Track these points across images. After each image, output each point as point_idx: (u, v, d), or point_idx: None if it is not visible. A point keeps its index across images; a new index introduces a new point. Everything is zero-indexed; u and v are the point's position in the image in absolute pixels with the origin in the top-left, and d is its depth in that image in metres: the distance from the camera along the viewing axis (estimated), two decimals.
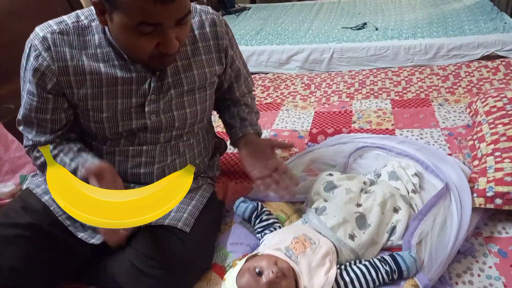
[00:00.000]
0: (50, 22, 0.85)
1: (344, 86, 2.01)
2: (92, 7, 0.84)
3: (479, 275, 0.91)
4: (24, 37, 0.86)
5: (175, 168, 1.03)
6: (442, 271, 0.89)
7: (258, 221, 1.03)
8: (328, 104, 1.80)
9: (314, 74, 2.25)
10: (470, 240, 1.00)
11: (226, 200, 1.21)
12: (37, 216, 0.89)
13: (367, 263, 0.87)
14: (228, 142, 1.24)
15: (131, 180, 1.01)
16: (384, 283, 0.85)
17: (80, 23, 0.86)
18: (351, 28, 2.72)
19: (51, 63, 0.84)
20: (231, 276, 0.83)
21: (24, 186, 1.03)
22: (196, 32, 0.94)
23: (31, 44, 0.84)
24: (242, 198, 1.09)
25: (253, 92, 1.22)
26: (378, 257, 0.89)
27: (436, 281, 0.87)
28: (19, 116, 0.94)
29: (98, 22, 0.85)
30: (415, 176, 1.11)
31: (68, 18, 0.86)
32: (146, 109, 0.92)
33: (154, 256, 0.85)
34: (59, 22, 0.85)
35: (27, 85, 0.87)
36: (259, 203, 1.07)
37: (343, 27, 2.77)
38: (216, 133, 1.42)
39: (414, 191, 1.07)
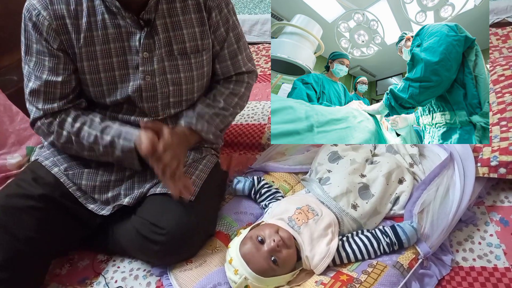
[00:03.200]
0: None
1: None
2: None
3: (479, 243, 0.93)
4: (18, 9, 0.84)
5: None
6: (443, 239, 0.91)
7: (258, 196, 1.04)
8: None
9: None
10: (472, 209, 1.01)
11: (230, 171, 1.22)
12: (48, 187, 0.91)
13: (369, 234, 0.88)
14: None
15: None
16: (385, 253, 0.87)
17: None
18: None
19: (51, 21, 0.84)
20: (234, 244, 0.85)
21: (33, 158, 1.04)
22: None
23: (29, 4, 0.84)
24: (236, 180, 1.08)
25: (250, 75, 1.09)
26: (380, 227, 0.90)
27: (436, 248, 0.89)
28: (27, 89, 0.90)
29: None
30: (414, 146, 1.10)
31: None
32: (141, 69, 0.90)
33: (158, 223, 0.87)
34: None
35: (32, 46, 0.86)
36: (255, 178, 1.07)
37: None
38: None
39: (411, 165, 1.06)
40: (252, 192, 1.05)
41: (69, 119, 0.90)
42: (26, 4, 0.85)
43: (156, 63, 0.91)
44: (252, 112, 1.51)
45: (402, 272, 0.82)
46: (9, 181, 1.15)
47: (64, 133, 0.90)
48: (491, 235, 0.94)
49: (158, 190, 0.93)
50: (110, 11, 0.86)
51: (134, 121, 0.96)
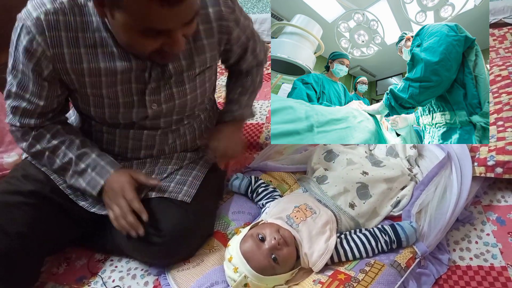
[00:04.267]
0: (44, 0, 0.76)
1: None
2: None
3: (476, 242, 0.93)
4: (19, 4, 0.81)
5: (175, 149, 1.01)
6: (441, 239, 0.91)
7: (255, 195, 1.04)
8: None
9: None
10: (469, 209, 1.01)
11: (228, 170, 1.22)
12: (39, 184, 0.90)
13: (367, 232, 0.88)
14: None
15: (130, 157, 0.99)
16: (383, 251, 0.87)
17: (76, 1, 0.77)
18: None
19: (46, 48, 0.77)
20: (234, 242, 0.85)
21: (23, 156, 1.03)
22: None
23: (23, 24, 0.76)
24: (235, 176, 1.08)
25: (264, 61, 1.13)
26: (379, 226, 0.91)
27: (434, 248, 0.89)
28: (7, 91, 0.86)
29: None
30: (413, 148, 1.10)
31: None
32: (147, 98, 0.88)
33: (156, 225, 0.87)
34: (53, 0, 0.76)
35: (19, 65, 0.80)
36: (253, 177, 1.07)
37: None
38: (219, 105, 1.41)
39: (410, 169, 1.06)
40: (249, 191, 1.05)
41: (48, 135, 0.88)
42: (20, 17, 0.77)
43: (163, 91, 0.88)
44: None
45: (400, 271, 0.82)
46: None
47: (38, 146, 0.88)
48: (487, 234, 0.95)
49: (153, 194, 0.92)
50: (119, 45, 0.80)
51: (132, 134, 0.95)
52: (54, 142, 0.88)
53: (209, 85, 0.98)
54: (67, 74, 0.82)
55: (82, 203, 0.93)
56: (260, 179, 1.08)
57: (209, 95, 1.02)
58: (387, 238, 0.86)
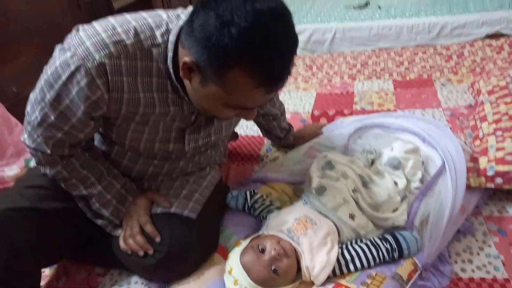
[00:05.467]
0: (106, 39, 0.70)
1: (346, 67, 1.99)
2: (154, 20, 0.75)
3: (478, 254, 0.93)
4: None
5: (186, 170, 1.01)
6: (440, 248, 0.90)
7: (252, 210, 1.04)
8: (330, 86, 1.79)
9: (315, 55, 2.23)
10: (470, 220, 1.01)
11: (228, 182, 1.22)
12: (50, 201, 0.89)
13: (368, 241, 0.88)
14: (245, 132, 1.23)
15: (145, 180, 1.00)
16: (384, 261, 0.86)
17: (140, 45, 0.73)
18: (353, 7, 2.67)
19: (105, 91, 0.73)
20: (234, 254, 0.85)
21: (32, 164, 1.01)
22: None
23: (81, 64, 0.70)
24: (230, 195, 1.07)
25: None
26: (380, 236, 0.90)
27: (434, 258, 0.89)
28: (39, 119, 0.79)
29: (160, 50, 0.74)
30: (422, 164, 1.07)
31: (126, 37, 0.72)
32: (187, 137, 0.89)
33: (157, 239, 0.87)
34: (116, 42, 0.71)
35: (65, 101, 0.75)
36: (248, 193, 1.06)
37: (345, 6, 2.72)
38: None
39: (421, 181, 1.03)
40: (246, 208, 1.05)
41: (77, 164, 0.88)
42: (79, 56, 0.70)
43: (203, 131, 0.90)
44: (251, 123, 1.52)
45: (401, 283, 0.82)
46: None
47: (66, 174, 0.87)
48: (489, 245, 0.94)
49: (159, 210, 0.93)
50: (177, 91, 0.79)
51: (155, 164, 0.96)
52: (84, 172, 0.90)
53: (235, 121, 1.02)
54: (116, 112, 0.78)
55: (99, 222, 0.94)
56: (257, 193, 1.07)
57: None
58: (388, 246, 0.85)
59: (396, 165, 1.04)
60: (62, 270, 1.02)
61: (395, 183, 1.01)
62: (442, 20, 2.30)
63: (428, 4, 2.56)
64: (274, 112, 1.21)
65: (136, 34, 0.73)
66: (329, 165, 1.07)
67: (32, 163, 1.00)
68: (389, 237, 0.87)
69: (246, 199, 1.05)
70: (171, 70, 0.75)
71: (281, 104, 1.25)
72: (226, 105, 0.71)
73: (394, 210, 0.97)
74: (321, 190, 1.00)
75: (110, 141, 0.93)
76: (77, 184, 0.90)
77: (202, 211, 0.95)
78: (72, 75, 0.71)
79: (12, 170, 1.20)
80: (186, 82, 0.73)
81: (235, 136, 1.31)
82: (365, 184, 1.03)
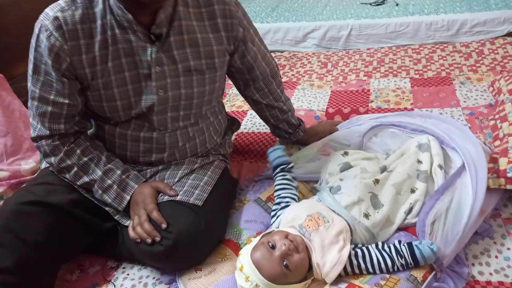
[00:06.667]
0: (60, 2, 0.84)
1: (362, 64, 1.96)
2: None
3: (496, 257, 0.90)
4: (36, 15, 0.85)
5: (185, 153, 1.04)
6: (457, 251, 0.88)
7: (281, 176, 1.03)
8: (345, 83, 1.77)
9: (331, 52, 2.20)
10: (488, 222, 0.98)
11: (240, 179, 1.22)
12: (58, 194, 0.92)
13: (383, 252, 0.85)
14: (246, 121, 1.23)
15: (142, 163, 1.03)
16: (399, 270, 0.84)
17: None
18: (370, 3, 2.63)
19: (63, 42, 0.83)
20: (245, 251, 0.85)
21: (43, 166, 1.05)
22: (203, 9, 0.92)
23: (41, 24, 0.83)
24: (282, 147, 1.08)
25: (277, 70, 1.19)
26: (396, 244, 0.87)
27: (451, 261, 0.87)
28: (33, 106, 0.90)
29: None
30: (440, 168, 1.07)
31: None
32: (154, 84, 0.91)
33: (166, 228, 0.87)
34: (68, 0, 0.84)
35: (41, 66, 0.85)
36: (292, 164, 1.07)
37: (362, 3, 2.68)
38: (230, 113, 1.42)
39: (440, 166, 1.04)
40: (281, 167, 1.05)
41: (78, 151, 0.94)
42: (38, 21, 0.84)
43: (170, 78, 0.92)
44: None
45: (416, 285, 0.80)
46: (22, 186, 1.17)
47: (69, 162, 0.93)
48: (508, 248, 0.92)
49: (166, 198, 0.94)
50: (121, 26, 0.85)
51: (143, 137, 0.98)
52: (84, 159, 0.94)
53: (218, 86, 1.01)
54: (81, 68, 0.86)
55: (107, 208, 0.97)
56: (292, 171, 1.06)
57: (217, 96, 1.05)
58: (403, 262, 0.83)
59: (425, 148, 1.07)
60: (75, 263, 1.03)
61: (419, 162, 1.04)
62: (462, 17, 2.25)
63: (447, 1, 2.50)
64: (280, 105, 1.19)
65: None
66: (348, 165, 1.06)
67: (44, 164, 1.03)
68: (405, 250, 0.84)
69: (288, 163, 1.05)
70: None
71: (287, 99, 1.23)
72: None
73: (413, 191, 0.97)
74: (336, 189, 0.99)
75: (100, 122, 0.99)
76: (79, 173, 0.94)
77: (208, 199, 0.95)
78: (37, 38, 0.84)
79: (28, 164, 1.23)
80: None
81: (237, 125, 1.29)
82: (384, 169, 1.04)
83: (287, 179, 1.03)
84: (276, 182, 1.04)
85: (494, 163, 1.04)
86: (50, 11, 0.83)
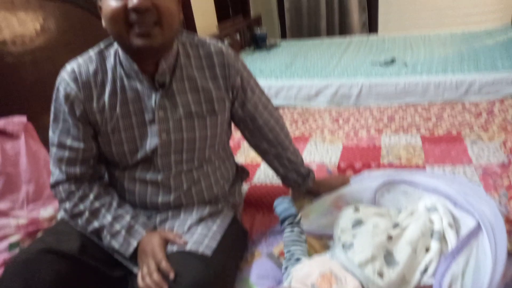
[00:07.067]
0: (78, 57, 0.97)
1: (372, 120, 2.01)
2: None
3: None
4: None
5: (191, 197, 1.06)
6: None
7: (289, 229, 1.02)
8: (357, 139, 1.81)
9: (342, 108, 2.27)
10: (509, 286, 0.95)
11: (252, 232, 1.22)
12: (69, 242, 0.94)
13: None
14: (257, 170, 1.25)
15: (150, 207, 1.06)
16: None
17: (100, 49, 0.97)
18: (380, 64, 2.74)
19: (78, 91, 0.93)
20: None
21: (59, 216, 1.09)
22: (204, 60, 1.00)
23: (60, 77, 0.95)
24: (289, 198, 1.09)
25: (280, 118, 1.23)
26: None
27: None
28: (52, 153, 0.99)
29: (114, 48, 0.96)
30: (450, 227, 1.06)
31: (92, 50, 0.97)
32: (157, 127, 0.97)
33: (175, 278, 0.86)
34: (84, 56, 0.96)
35: (59, 114, 0.96)
36: (300, 216, 1.06)
37: (372, 63, 2.79)
38: (244, 164, 1.45)
39: (450, 225, 1.03)
40: (289, 221, 1.04)
41: (91, 196, 0.99)
42: (59, 75, 0.96)
43: (172, 121, 0.98)
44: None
45: None
46: (38, 233, 1.18)
47: (81, 207, 0.98)
48: None
49: (175, 248, 0.95)
50: (129, 76, 0.95)
51: (149, 179, 1.02)
52: (96, 204, 0.99)
53: (220, 131, 1.06)
54: (93, 114, 0.95)
55: (116, 256, 0.98)
56: (301, 224, 1.05)
57: (220, 141, 1.09)
58: None
59: (433, 209, 1.06)
60: None
61: (431, 221, 1.02)
62: (470, 77, 2.32)
63: (454, 61, 2.59)
64: (288, 155, 1.23)
65: (99, 44, 0.98)
66: (359, 220, 1.06)
67: (60, 215, 1.07)
68: None
69: (295, 215, 1.04)
70: (118, 52, 0.95)
71: (296, 149, 1.27)
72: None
73: (428, 250, 0.96)
74: (348, 245, 0.98)
75: (110, 167, 1.05)
76: (90, 219, 0.97)
77: (218, 249, 0.95)
78: (57, 89, 0.95)
79: (47, 212, 1.25)
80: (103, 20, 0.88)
81: (246, 173, 1.31)
82: (397, 226, 1.03)
83: (296, 233, 1.03)
84: (285, 236, 1.03)
85: (511, 224, 1.03)
86: (69, 66, 0.95)
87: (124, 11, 0.82)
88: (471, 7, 3.71)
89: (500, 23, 3.42)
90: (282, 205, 1.07)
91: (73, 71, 0.94)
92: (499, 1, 3.61)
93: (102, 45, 0.98)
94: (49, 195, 1.28)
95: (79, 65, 0.95)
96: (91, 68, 0.94)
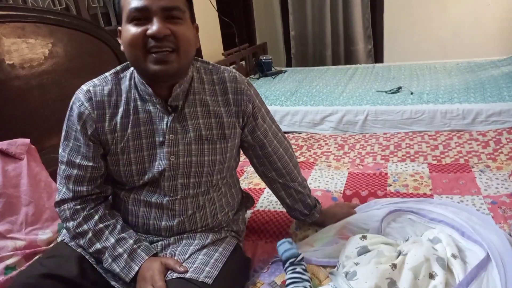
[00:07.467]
0: (94, 79, 0.98)
1: (378, 148, 1.99)
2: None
3: None
4: (73, 93, 0.96)
5: (195, 222, 1.04)
6: None
7: (291, 270, 0.99)
8: (362, 166, 1.78)
9: (347, 135, 2.26)
10: None
11: (255, 259, 1.18)
12: (68, 266, 0.93)
13: None
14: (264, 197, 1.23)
15: (153, 232, 1.04)
16: None
17: (116, 71, 0.99)
18: (385, 91, 2.75)
19: (91, 111, 0.94)
20: None
21: (59, 238, 1.07)
22: (217, 87, 1.01)
23: (75, 97, 0.96)
24: (290, 239, 1.06)
25: (290, 146, 1.22)
26: None
27: None
28: (60, 170, 0.99)
29: (130, 71, 0.98)
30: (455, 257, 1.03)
31: (108, 73, 0.99)
32: (166, 150, 0.97)
33: None
34: (100, 78, 0.98)
35: (71, 133, 0.96)
36: (302, 255, 1.03)
37: (377, 91, 2.80)
38: (246, 190, 1.43)
39: (454, 256, 1.00)
40: (290, 261, 1.01)
41: (96, 217, 0.98)
42: (74, 95, 0.97)
43: (182, 145, 0.98)
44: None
45: None
46: (36, 257, 1.16)
47: (85, 227, 0.97)
48: None
49: (175, 275, 0.93)
50: (143, 98, 0.96)
51: (154, 203, 1.01)
52: (100, 225, 0.97)
53: (229, 156, 1.05)
54: (104, 134, 0.96)
55: (113, 283, 0.95)
56: (304, 262, 1.03)
57: (229, 167, 1.08)
58: None
59: (437, 241, 1.03)
60: None
61: (435, 249, 0.99)
62: (477, 107, 2.31)
63: (461, 91, 2.60)
64: (296, 186, 1.20)
65: (116, 68, 1.00)
66: (366, 249, 1.03)
67: (60, 237, 1.05)
68: None
69: (297, 255, 1.02)
70: (135, 75, 0.96)
71: (304, 180, 1.24)
72: (128, 21, 0.87)
73: (432, 276, 0.92)
74: (351, 274, 0.95)
75: (116, 189, 1.05)
76: (92, 239, 0.96)
77: (219, 277, 0.93)
78: (71, 108, 0.97)
79: (45, 234, 1.23)
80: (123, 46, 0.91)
81: (251, 202, 1.29)
82: (400, 254, 1.00)
83: (297, 272, 0.99)
84: (287, 277, 1.00)
85: None
86: (85, 86, 0.97)
87: (143, 37, 0.85)
88: (475, 38, 3.76)
89: (505, 54, 3.44)
90: (284, 246, 1.05)
91: (88, 91, 0.95)
92: (502, 32, 3.66)
93: (118, 67, 1.00)
94: (48, 218, 1.26)
95: (95, 85, 0.96)
96: (106, 89, 0.96)
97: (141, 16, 0.85)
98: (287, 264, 1.02)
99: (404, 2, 3.85)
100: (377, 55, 4.13)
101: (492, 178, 1.51)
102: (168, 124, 0.96)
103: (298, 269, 1.00)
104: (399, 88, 2.77)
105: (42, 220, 1.25)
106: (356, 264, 0.98)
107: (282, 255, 1.03)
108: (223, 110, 1.01)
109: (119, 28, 0.92)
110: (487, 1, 3.63)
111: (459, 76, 2.99)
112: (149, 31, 0.85)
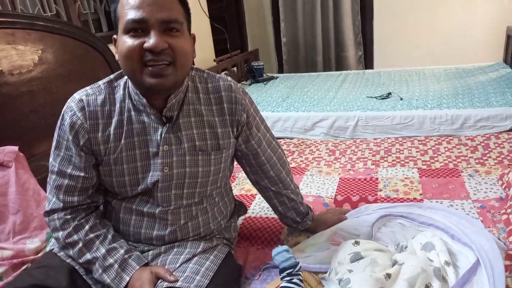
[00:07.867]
0: (87, 87, 0.96)
1: (369, 153, 2.00)
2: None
3: None
4: (68, 98, 0.95)
5: (187, 232, 1.03)
6: None
7: (287, 280, 0.98)
8: (353, 171, 1.79)
9: (338, 140, 2.27)
10: None
11: (246, 266, 1.18)
12: (57, 277, 0.91)
13: None
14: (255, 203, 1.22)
15: (144, 241, 1.03)
16: None
17: (110, 80, 0.97)
18: (375, 97, 2.78)
19: (84, 121, 0.92)
20: None
21: (48, 248, 1.05)
22: (211, 96, 1.00)
23: (67, 106, 0.94)
24: (287, 247, 1.03)
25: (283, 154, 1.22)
26: None
27: None
28: (50, 180, 0.96)
29: (124, 80, 0.96)
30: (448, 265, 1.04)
31: (102, 82, 0.97)
32: (159, 161, 0.96)
33: None
34: (93, 86, 0.96)
35: (63, 142, 0.94)
36: (300, 265, 1.01)
37: (367, 96, 2.83)
38: (238, 196, 1.42)
39: (447, 263, 1.01)
40: (288, 271, 0.98)
41: (87, 227, 0.97)
42: (66, 103, 0.95)
43: (176, 156, 0.97)
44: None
45: None
46: (23, 267, 1.14)
47: (75, 237, 0.95)
48: None
49: (165, 284, 0.91)
50: (137, 109, 0.95)
51: (146, 212, 1.00)
52: (91, 235, 0.96)
53: (223, 167, 1.04)
54: (97, 144, 0.94)
55: None
56: (301, 272, 1.00)
57: (223, 177, 1.08)
58: None
59: (430, 247, 1.02)
60: None
61: (430, 260, 0.98)
62: (465, 112, 2.34)
63: (449, 97, 2.63)
64: (288, 193, 1.20)
65: (109, 77, 0.98)
66: (358, 256, 1.03)
67: (49, 246, 1.03)
68: None
69: (295, 265, 0.98)
70: (129, 85, 0.95)
71: (297, 187, 1.24)
72: (127, 36, 0.84)
73: (427, 287, 0.92)
74: (345, 282, 0.95)
75: (108, 197, 1.04)
76: (83, 250, 0.94)
77: (209, 286, 0.92)
78: (62, 117, 0.94)
79: (34, 244, 1.21)
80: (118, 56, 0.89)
81: (244, 210, 1.29)
82: (395, 264, 0.99)
83: (293, 283, 0.98)
84: (282, 285, 0.98)
85: (511, 260, 1.00)
86: (77, 95, 0.94)
87: (140, 50, 0.84)
88: (464, 45, 3.81)
89: (492, 60, 3.50)
90: (282, 255, 1.01)
91: (81, 100, 0.93)
92: (490, 39, 3.72)
93: (112, 76, 0.98)
94: (36, 227, 1.24)
95: (88, 94, 0.94)
96: (99, 98, 0.94)
97: (138, 27, 0.83)
98: (285, 274, 1.00)
99: (393, 9, 3.90)
100: (367, 61, 4.17)
101: (481, 183, 1.53)
102: (162, 135, 0.95)
103: (295, 279, 0.98)
104: (389, 94, 2.79)
105: (30, 229, 1.23)
106: (350, 271, 0.98)
107: (280, 264, 1.01)
108: (218, 120, 1.00)
109: (114, 36, 0.91)
110: (475, 9, 3.70)
111: (447, 82, 3.02)
112: (146, 44, 0.83)
